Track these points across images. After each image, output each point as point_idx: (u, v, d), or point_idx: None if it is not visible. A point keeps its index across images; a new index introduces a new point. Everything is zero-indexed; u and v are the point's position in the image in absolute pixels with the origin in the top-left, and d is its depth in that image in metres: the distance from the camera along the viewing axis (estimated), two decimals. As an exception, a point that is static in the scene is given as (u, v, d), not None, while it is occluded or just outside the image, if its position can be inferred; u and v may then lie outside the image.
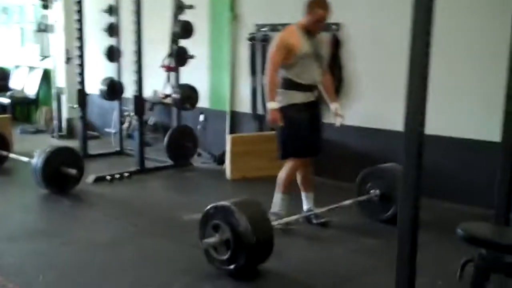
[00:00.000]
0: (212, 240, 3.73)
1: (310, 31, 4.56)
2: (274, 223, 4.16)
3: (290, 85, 4.52)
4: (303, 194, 4.90)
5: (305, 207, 4.87)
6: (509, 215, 3.45)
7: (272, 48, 4.55)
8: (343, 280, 3.88)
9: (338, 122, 4.74)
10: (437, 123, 5.19)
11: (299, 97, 4.53)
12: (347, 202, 4.83)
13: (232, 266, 3.70)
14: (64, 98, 9.08)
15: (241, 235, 3.63)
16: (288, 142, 4.60)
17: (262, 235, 3.69)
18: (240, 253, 3.66)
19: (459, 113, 5.47)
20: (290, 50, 4.45)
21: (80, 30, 7.44)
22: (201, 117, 7.75)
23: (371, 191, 4.93)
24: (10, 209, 5.37)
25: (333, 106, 4.79)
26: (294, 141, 4.58)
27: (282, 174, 4.71)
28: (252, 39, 7.02)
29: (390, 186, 4.78)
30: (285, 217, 4.54)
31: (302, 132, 4.56)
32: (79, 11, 7.38)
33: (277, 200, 4.70)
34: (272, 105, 4.46)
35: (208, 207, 3.83)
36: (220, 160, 7.06)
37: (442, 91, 5.38)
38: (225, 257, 3.71)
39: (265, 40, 6.90)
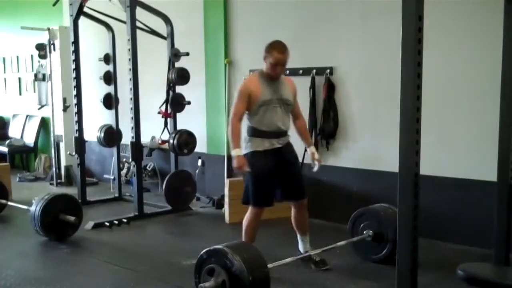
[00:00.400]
0: (207, 284, 3.70)
1: (271, 76, 4.54)
2: None
3: (253, 132, 4.52)
4: (298, 237, 4.89)
5: (301, 249, 4.85)
6: (508, 254, 3.47)
7: (235, 97, 4.57)
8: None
9: (315, 166, 4.72)
10: (432, 164, 5.24)
11: (262, 145, 4.50)
12: (342, 243, 4.82)
13: None
14: (62, 145, 9.12)
15: (237, 277, 3.61)
16: (249, 188, 4.59)
17: (258, 276, 3.66)
18: None
19: (453, 153, 5.51)
20: (251, 98, 4.44)
21: (77, 78, 7.52)
22: (199, 162, 7.79)
23: (364, 231, 4.96)
24: (8, 257, 5.34)
25: (309, 150, 4.80)
26: (255, 188, 4.55)
27: (244, 222, 4.70)
28: (247, 84, 7.10)
29: (383, 226, 4.82)
30: None
31: (263, 180, 4.53)
32: (76, 60, 7.48)
33: None
34: (236, 152, 4.43)
35: (202, 251, 3.83)
36: (219, 204, 7.07)
37: (437, 131, 5.44)
38: None
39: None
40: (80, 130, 7.57)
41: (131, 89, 6.62)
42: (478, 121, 5.30)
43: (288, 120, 4.66)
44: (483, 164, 5.12)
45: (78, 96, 7.55)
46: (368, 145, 6.18)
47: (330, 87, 6.34)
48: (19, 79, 11.01)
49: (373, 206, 5.10)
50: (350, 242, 4.94)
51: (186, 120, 7.33)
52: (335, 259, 4.93)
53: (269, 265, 3.92)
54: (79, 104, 7.57)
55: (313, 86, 6.46)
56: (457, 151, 5.50)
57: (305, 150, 6.45)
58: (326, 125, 6.38)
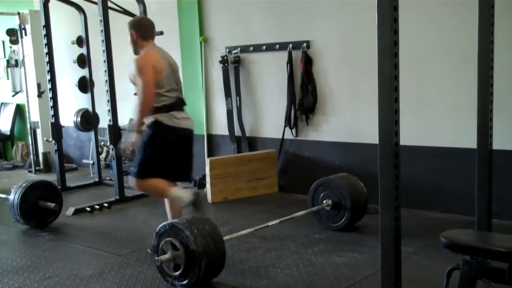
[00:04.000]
0: (164, 257, 3.86)
1: None
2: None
3: None
4: None
5: None
6: (490, 220, 3.48)
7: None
8: None
9: None
10: (411, 133, 5.25)
11: None
12: (301, 213, 5.05)
13: (185, 282, 3.85)
14: (39, 132, 9.00)
15: (192, 249, 3.77)
16: None
17: (213, 249, 3.84)
18: (192, 268, 3.81)
19: (433, 122, 5.52)
20: None
21: (50, 63, 7.38)
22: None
23: (324, 201, 5.13)
24: (-12, 247, 5.28)
25: None
26: None
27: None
28: (224, 61, 7.04)
29: (341, 195, 5.04)
30: None
31: None
32: (48, 44, 7.33)
33: None
34: None
35: (160, 226, 3.98)
36: (201, 184, 7.02)
37: (415, 101, 5.45)
38: (178, 272, 3.86)
39: (237, 62, 6.93)
40: (56, 115, 7.44)
41: (106, 71, 6.52)
42: (456, 88, 5.31)
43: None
44: (462, 131, 5.14)
45: (52, 80, 7.42)
46: (348, 118, 6.17)
47: (308, 61, 6.31)
48: (-8, 66, 10.81)
49: (332, 176, 5.26)
50: (310, 211, 5.15)
51: (163, 101, 7.24)
52: (297, 228, 5.18)
53: (225, 237, 4.12)
54: (53, 89, 7.43)
55: (290, 61, 6.42)
56: (436, 120, 5.51)
57: (285, 126, 6.46)
58: (305, 100, 6.36)
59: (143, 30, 4.65)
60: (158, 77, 4.45)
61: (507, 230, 3.74)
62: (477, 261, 2.64)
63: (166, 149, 4.57)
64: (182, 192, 4.58)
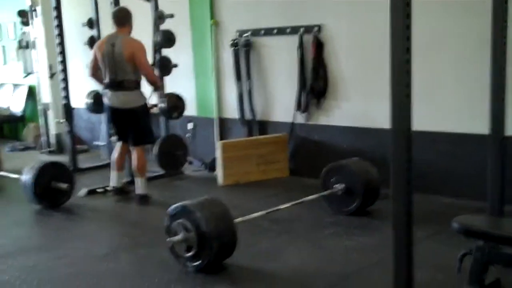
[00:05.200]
0: (175, 238, 3.92)
1: None
2: None
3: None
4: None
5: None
6: (503, 206, 3.48)
7: (143, 53, 5.77)
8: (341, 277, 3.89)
9: None
10: (423, 118, 5.24)
11: None
12: (312, 197, 5.06)
13: (197, 263, 3.89)
14: (50, 113, 9.04)
15: (203, 231, 3.81)
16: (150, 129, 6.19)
17: (224, 231, 3.88)
18: (204, 250, 3.85)
19: (445, 107, 5.51)
20: None
21: (62, 44, 7.41)
22: (190, 125, 7.76)
23: (335, 186, 5.12)
24: (2, 226, 5.34)
25: None
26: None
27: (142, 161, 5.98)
28: (234, 45, 7.03)
29: (353, 179, 5.02)
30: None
31: None
32: (59, 26, 7.34)
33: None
34: None
35: (172, 207, 4.03)
36: (211, 167, 7.05)
37: (428, 85, 5.43)
38: (190, 254, 3.90)
39: (248, 45, 6.92)
40: (67, 97, 7.50)
41: (117, 53, 6.52)
42: (469, 74, 5.29)
43: None
44: (475, 117, 5.12)
45: (64, 62, 7.46)
46: (359, 102, 6.16)
47: (319, 45, 6.28)
48: (3, 47, 10.84)
49: (344, 160, 5.26)
50: (320, 196, 5.15)
51: (174, 84, 7.26)
52: (308, 212, 5.19)
53: (237, 220, 4.12)
54: (65, 71, 7.48)
55: (301, 45, 6.40)
56: (448, 105, 5.50)
57: (295, 110, 6.44)
58: (315, 84, 6.35)
59: (115, 19, 5.69)
60: (96, 62, 5.80)
61: (518, 216, 3.75)
62: (489, 247, 2.65)
63: (108, 116, 6.12)
64: (114, 177, 6.07)
